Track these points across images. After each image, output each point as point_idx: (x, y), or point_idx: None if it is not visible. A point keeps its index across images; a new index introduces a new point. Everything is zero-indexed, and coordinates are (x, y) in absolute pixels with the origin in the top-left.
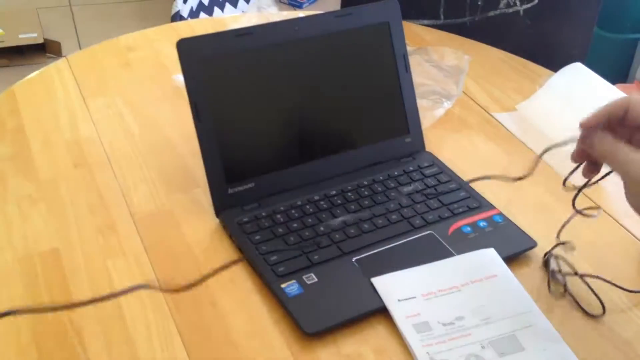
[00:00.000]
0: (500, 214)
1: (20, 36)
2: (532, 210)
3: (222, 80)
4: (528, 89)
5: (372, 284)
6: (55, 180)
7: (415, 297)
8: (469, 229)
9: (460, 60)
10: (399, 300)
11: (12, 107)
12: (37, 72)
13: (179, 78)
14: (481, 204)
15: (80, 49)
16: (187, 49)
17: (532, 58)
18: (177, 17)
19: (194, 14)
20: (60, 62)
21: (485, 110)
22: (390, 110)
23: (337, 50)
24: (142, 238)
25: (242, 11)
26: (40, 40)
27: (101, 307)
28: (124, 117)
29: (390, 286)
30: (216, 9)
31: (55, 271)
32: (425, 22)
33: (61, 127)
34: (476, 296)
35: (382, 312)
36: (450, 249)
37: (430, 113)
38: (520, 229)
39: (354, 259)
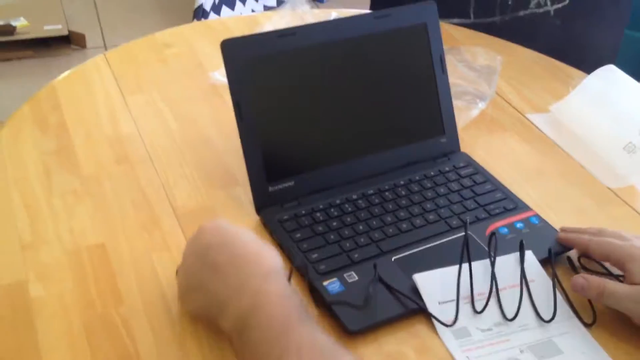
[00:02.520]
0: (537, 215)
1: (45, 28)
2: (569, 212)
3: (264, 80)
4: (560, 90)
5: (413, 283)
6: (98, 176)
7: (454, 300)
8: (506, 230)
9: (492, 60)
10: (439, 303)
11: (54, 103)
12: (75, 67)
13: (216, 75)
14: (517, 206)
15: (104, 41)
16: (231, 49)
17: (562, 59)
18: (199, 10)
19: (216, 8)
20: (98, 58)
21: (518, 111)
22: (427, 110)
23: (376, 51)
24: (185, 233)
25: (264, 5)
26: (65, 32)
27: (149, 302)
28: (163, 114)
29: (432, 285)
30: (238, 3)
31: (102, 265)
32: (455, 21)
33: (102, 123)
34: (514, 302)
35: (423, 310)
36: (488, 250)
37: (465, 114)
38: (557, 231)
39: (393, 258)
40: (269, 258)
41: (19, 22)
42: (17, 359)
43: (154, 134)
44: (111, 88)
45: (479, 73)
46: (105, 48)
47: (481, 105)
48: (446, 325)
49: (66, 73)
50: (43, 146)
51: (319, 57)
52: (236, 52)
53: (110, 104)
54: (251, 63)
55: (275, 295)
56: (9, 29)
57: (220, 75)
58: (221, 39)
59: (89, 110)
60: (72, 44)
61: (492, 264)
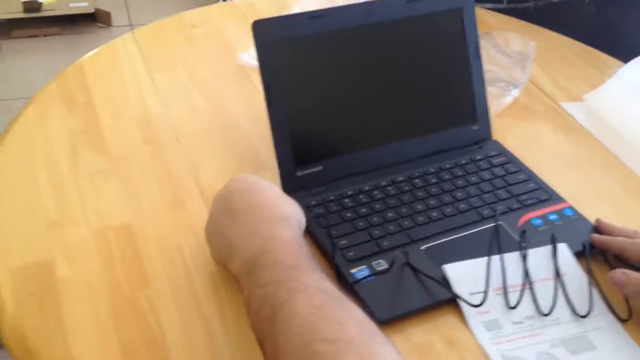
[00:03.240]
0: (571, 207)
1: (71, 5)
2: (604, 205)
3: (295, 62)
4: (595, 79)
5: (443, 273)
6: (125, 156)
7: (485, 291)
8: (539, 221)
9: (526, 46)
10: (470, 294)
11: (81, 81)
12: (103, 45)
13: (244, 57)
14: (551, 197)
15: (129, 19)
16: (262, 30)
17: (596, 46)
18: None
19: None
20: (126, 37)
21: (552, 99)
22: (459, 97)
23: (408, 36)
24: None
25: None
26: (91, 10)
27: (175, 284)
28: (190, 95)
29: (462, 276)
30: None
31: (128, 246)
32: (488, 5)
33: (129, 102)
34: (547, 295)
35: (453, 300)
36: (520, 242)
37: (497, 101)
38: (591, 224)
39: (422, 247)
40: (284, 204)
41: None
42: (43, 338)
43: (181, 115)
44: (139, 67)
45: (513, 59)
46: (131, 26)
47: (514, 92)
48: (475, 306)
49: (94, 51)
50: (70, 125)
51: (350, 40)
52: (267, 33)
53: (137, 83)
54: (282, 45)
55: (286, 240)
56: (35, 6)
57: (248, 57)
58: (249, 20)
59: (116, 89)
60: (97, 22)
61: (525, 256)
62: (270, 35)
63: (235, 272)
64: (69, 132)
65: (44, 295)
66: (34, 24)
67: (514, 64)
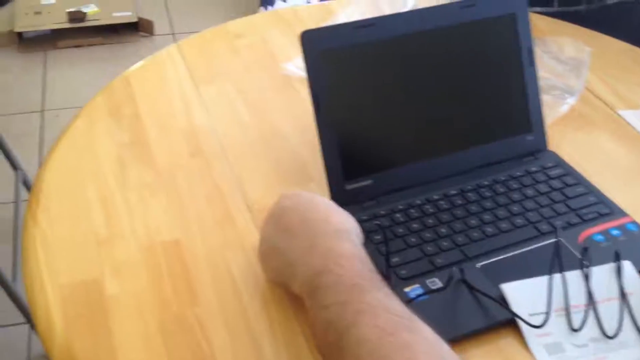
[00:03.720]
0: (635, 222)
1: (114, 14)
2: None
3: (344, 72)
4: None
5: (501, 292)
6: (172, 170)
7: (547, 312)
8: (600, 237)
9: (580, 52)
10: (530, 315)
11: (128, 93)
12: (149, 57)
13: (289, 67)
14: (612, 210)
15: (171, 28)
16: (310, 40)
17: None
18: None
19: None
20: (171, 48)
21: (609, 107)
22: (513, 106)
23: (460, 43)
24: (259, 231)
25: None
26: (134, 19)
27: (224, 302)
28: (236, 106)
29: (521, 296)
30: None
31: (177, 263)
32: (538, 9)
33: (176, 115)
34: (612, 316)
35: (512, 321)
36: (582, 259)
37: (552, 110)
38: None
39: (478, 265)
40: (339, 217)
41: (90, 9)
42: (93, 358)
43: (227, 127)
44: (184, 78)
45: (567, 66)
46: (173, 35)
47: (570, 100)
48: (536, 327)
49: (140, 63)
50: (117, 138)
51: (399, 50)
52: (315, 43)
53: (183, 95)
54: (330, 55)
55: (346, 256)
56: (80, 16)
57: (293, 67)
58: (293, 29)
59: (162, 101)
60: (140, 31)
61: (587, 275)
62: (319, 45)
63: (298, 292)
64: (116, 144)
65: (93, 314)
66: (79, 34)
67: (569, 71)
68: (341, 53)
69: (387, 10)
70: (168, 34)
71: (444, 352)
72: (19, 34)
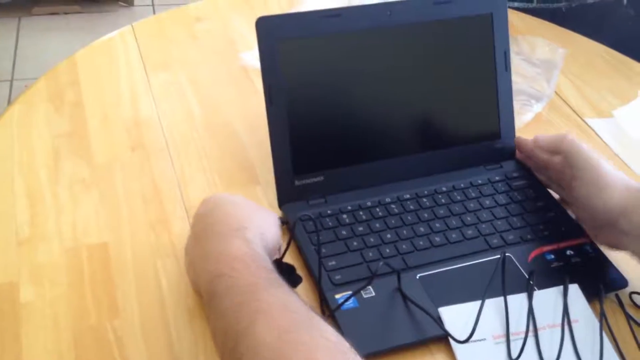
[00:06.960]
0: (592, 243)
1: None
2: None
3: (301, 63)
4: (627, 92)
5: (436, 311)
6: (110, 164)
7: (485, 340)
8: (552, 257)
9: (554, 53)
10: (466, 341)
11: (73, 78)
12: (100, 39)
13: (246, 57)
14: (571, 229)
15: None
16: (267, 27)
17: (633, 54)
18: None
19: None
20: (125, 30)
21: (577, 115)
22: (482, 110)
23: (431, 41)
24: None
25: None
26: None
27: (147, 317)
28: (187, 98)
29: (459, 319)
30: None
31: (101, 269)
32: (516, 4)
33: (120, 104)
34: (554, 344)
35: (444, 338)
36: (528, 279)
37: (518, 117)
38: (612, 263)
39: (418, 276)
40: (244, 216)
41: None
42: None
43: (174, 120)
44: (135, 64)
45: (538, 68)
46: (153, 7)
47: (537, 107)
48: (460, 343)
49: (89, 45)
50: (55, 127)
51: (364, 44)
52: (272, 31)
53: (131, 83)
54: (288, 44)
55: (238, 258)
56: None
57: (252, 57)
58: (257, 16)
59: (108, 88)
60: (119, 0)
61: (530, 297)
62: (276, 33)
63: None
64: (53, 134)
65: (3, 321)
66: (54, 1)
67: (539, 74)
68: (300, 43)
69: (359, 3)
70: (148, 5)
71: (345, 349)
72: None
